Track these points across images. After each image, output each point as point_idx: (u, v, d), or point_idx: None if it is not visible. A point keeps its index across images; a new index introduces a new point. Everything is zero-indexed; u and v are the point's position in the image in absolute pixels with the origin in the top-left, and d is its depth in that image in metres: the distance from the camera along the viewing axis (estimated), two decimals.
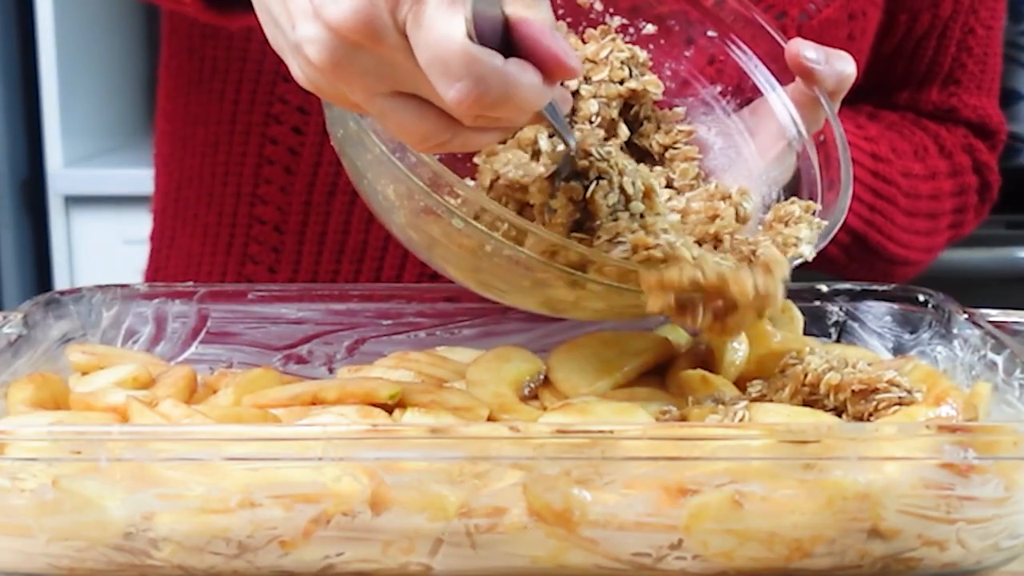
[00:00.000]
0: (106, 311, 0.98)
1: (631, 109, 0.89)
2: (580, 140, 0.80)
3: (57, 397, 0.85)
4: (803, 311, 0.96)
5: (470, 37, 0.63)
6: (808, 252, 0.81)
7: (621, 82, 0.88)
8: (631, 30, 0.91)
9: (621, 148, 0.87)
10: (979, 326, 0.89)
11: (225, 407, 0.84)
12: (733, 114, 0.91)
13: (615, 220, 0.79)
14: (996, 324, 0.89)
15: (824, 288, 0.99)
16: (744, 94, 0.90)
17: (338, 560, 0.73)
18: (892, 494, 0.71)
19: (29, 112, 2.42)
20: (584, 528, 0.71)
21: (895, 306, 0.97)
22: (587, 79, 0.87)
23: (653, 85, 0.89)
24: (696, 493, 0.71)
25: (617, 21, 0.91)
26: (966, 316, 0.91)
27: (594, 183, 0.79)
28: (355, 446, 0.71)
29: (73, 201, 2.32)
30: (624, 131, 0.88)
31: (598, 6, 0.91)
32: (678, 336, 0.96)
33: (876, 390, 0.80)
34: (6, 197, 2.42)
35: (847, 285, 0.99)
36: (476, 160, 0.82)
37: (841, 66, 0.87)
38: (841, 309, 0.98)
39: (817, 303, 0.98)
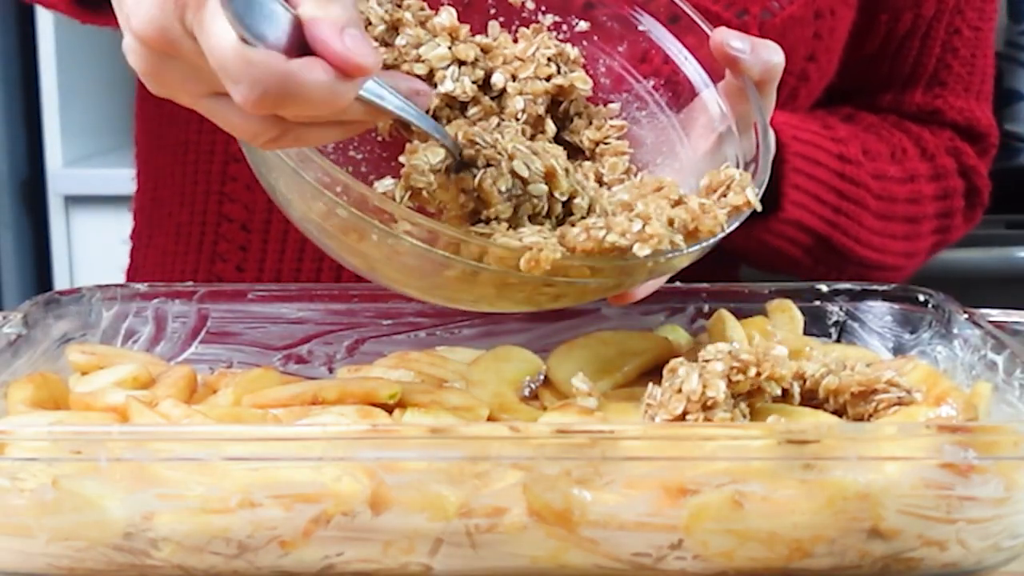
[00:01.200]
0: (106, 311, 0.98)
1: (560, 106, 0.89)
2: (467, 131, 0.80)
3: (57, 397, 0.85)
4: (803, 311, 0.96)
5: (244, 40, 0.63)
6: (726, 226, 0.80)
7: (548, 79, 0.87)
8: (564, 27, 0.91)
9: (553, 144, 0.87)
10: (979, 326, 0.89)
11: (225, 407, 0.84)
12: (667, 108, 0.91)
13: (511, 203, 0.79)
14: (996, 324, 0.89)
15: (824, 288, 0.99)
16: (678, 88, 0.90)
17: (338, 560, 0.73)
18: (892, 494, 0.71)
19: (29, 112, 2.42)
20: (584, 528, 0.71)
21: (895, 306, 0.98)
22: (514, 77, 0.86)
23: (581, 81, 0.88)
24: (696, 493, 0.71)
25: (550, 19, 0.91)
26: (966, 316, 0.91)
27: (482, 171, 0.79)
28: (355, 446, 0.71)
29: (73, 201, 2.32)
30: (551, 127, 0.88)
31: (530, 4, 0.90)
32: (678, 336, 0.96)
33: (875, 391, 0.80)
34: (6, 197, 2.42)
35: (847, 285, 0.99)
36: (401, 159, 0.82)
37: (767, 55, 0.86)
38: (841, 309, 0.98)
39: (817, 303, 0.98)
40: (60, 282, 2.34)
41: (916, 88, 1.16)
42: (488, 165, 0.79)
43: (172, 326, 0.98)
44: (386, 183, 0.83)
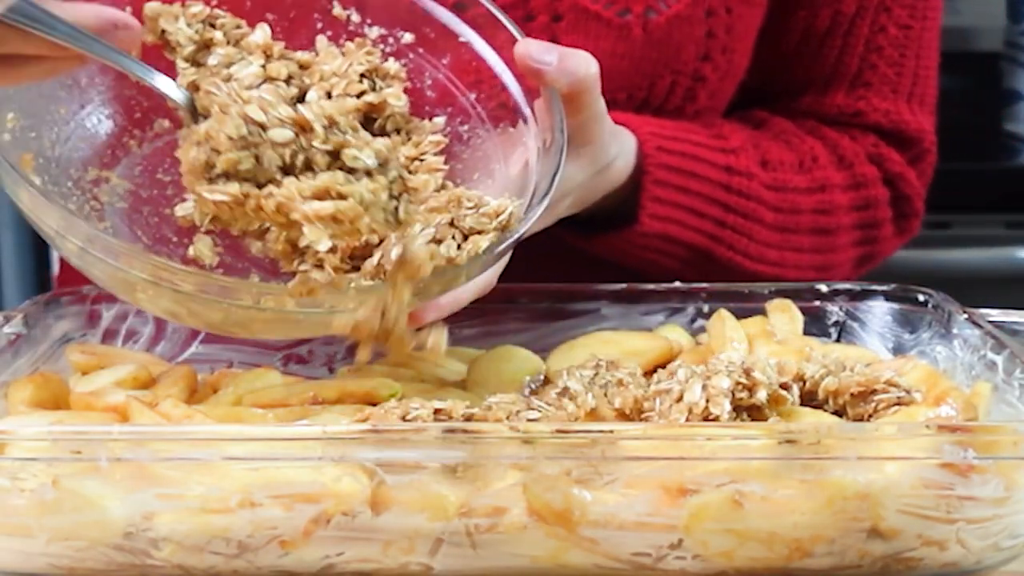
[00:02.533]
0: (106, 311, 0.98)
1: (375, 122, 0.87)
2: (200, 80, 0.79)
3: (57, 397, 0.85)
4: (803, 311, 0.96)
5: None
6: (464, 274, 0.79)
7: (360, 95, 0.85)
8: (391, 40, 0.90)
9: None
10: (979, 326, 0.89)
11: (225, 407, 0.84)
12: (488, 122, 0.89)
13: (249, 152, 0.75)
14: (996, 324, 0.89)
15: (824, 288, 0.99)
16: (501, 101, 0.88)
17: (338, 560, 0.73)
18: (892, 494, 0.71)
19: None
20: (584, 528, 0.71)
21: (895, 306, 0.98)
22: (329, 94, 0.84)
23: (394, 97, 0.86)
24: (696, 493, 0.71)
25: (376, 32, 0.90)
26: (966, 316, 0.91)
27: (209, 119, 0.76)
28: (355, 446, 0.71)
29: None
30: None
31: (355, 17, 0.90)
32: (678, 336, 0.96)
33: (874, 391, 0.80)
34: (6, 197, 2.41)
35: (847, 285, 0.99)
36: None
37: (575, 66, 0.83)
38: (841, 309, 0.99)
39: (817, 303, 0.98)
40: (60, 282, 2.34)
41: (838, 89, 1.11)
42: (222, 113, 0.76)
43: (172, 326, 0.98)
44: (187, 206, 0.84)
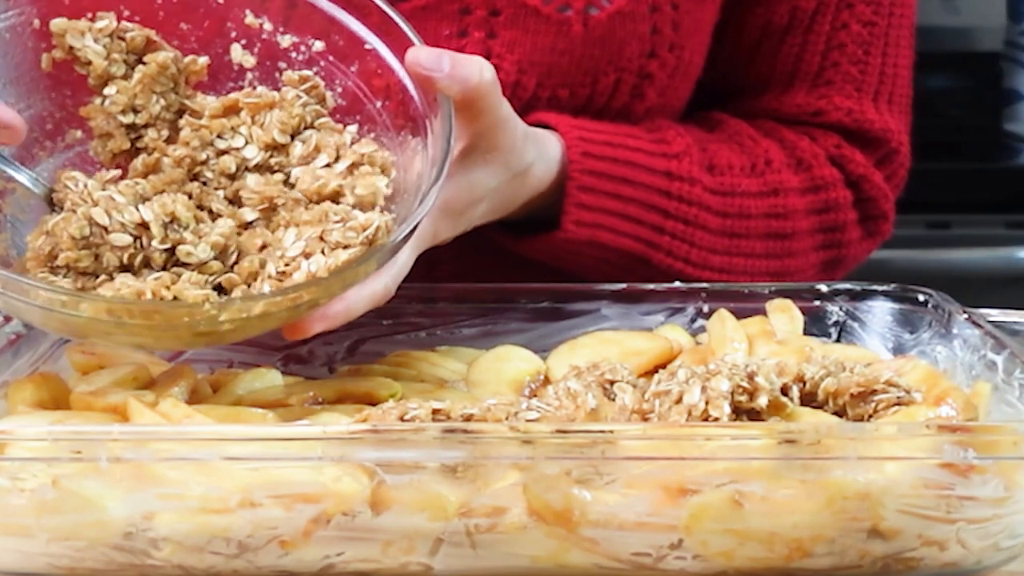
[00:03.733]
0: None
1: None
2: (64, 174, 0.83)
3: (57, 397, 0.85)
4: (803, 311, 0.96)
5: None
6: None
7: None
8: (302, 48, 0.90)
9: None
10: (979, 326, 0.89)
11: (225, 407, 0.84)
12: (392, 129, 0.89)
13: (89, 251, 0.80)
14: (996, 324, 0.89)
15: (824, 288, 0.99)
16: (406, 108, 0.87)
17: (338, 560, 0.73)
18: (892, 494, 0.71)
19: None
20: (584, 528, 0.71)
21: (895, 306, 0.98)
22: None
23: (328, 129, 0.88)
24: (696, 493, 0.71)
25: (288, 40, 0.90)
26: (966, 316, 0.91)
27: (58, 216, 0.81)
28: (355, 446, 0.71)
29: None
30: (296, 151, 0.87)
31: (268, 26, 0.90)
32: (678, 336, 0.96)
33: (874, 391, 0.80)
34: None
35: (847, 285, 0.99)
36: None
37: (466, 73, 0.82)
38: (841, 309, 0.99)
39: (817, 303, 0.98)
40: None
41: (799, 88, 1.09)
42: (72, 210, 0.81)
43: None
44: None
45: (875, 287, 0.99)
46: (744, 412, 0.76)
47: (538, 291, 0.99)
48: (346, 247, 0.80)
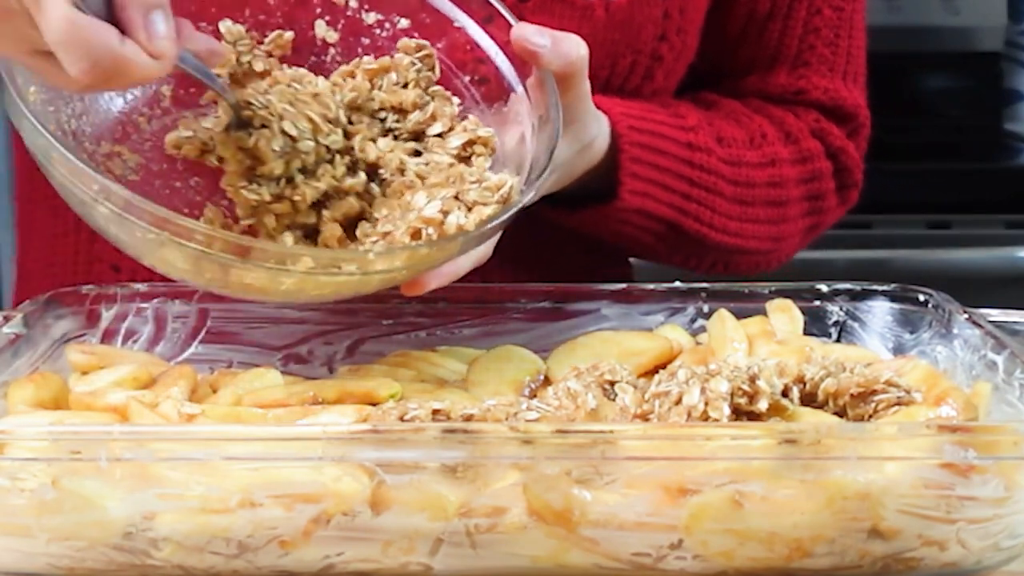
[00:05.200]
0: (106, 311, 0.98)
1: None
2: (241, 93, 0.88)
3: (57, 397, 0.85)
4: (803, 311, 0.96)
5: (77, 7, 0.73)
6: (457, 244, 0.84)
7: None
8: (387, 25, 0.94)
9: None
10: (979, 326, 0.89)
11: (225, 407, 0.84)
12: (482, 103, 0.94)
13: (283, 159, 0.87)
14: (996, 324, 0.89)
15: (824, 288, 0.99)
16: (492, 83, 0.93)
17: (338, 560, 0.73)
18: (892, 494, 0.71)
19: None
20: (584, 528, 0.71)
21: (895, 306, 0.98)
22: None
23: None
24: (696, 493, 0.71)
25: (373, 17, 0.94)
26: (966, 316, 0.91)
27: (257, 132, 0.87)
28: (355, 446, 0.71)
29: None
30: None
31: (353, 3, 0.94)
32: (678, 336, 0.96)
33: (874, 391, 0.80)
34: (6, 197, 2.42)
35: (847, 285, 0.99)
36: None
37: (567, 49, 0.88)
38: (841, 309, 0.99)
39: (817, 303, 0.98)
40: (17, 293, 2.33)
41: (780, 69, 1.16)
42: (263, 126, 0.87)
43: (172, 326, 0.98)
44: (178, 134, 0.92)
45: (875, 287, 0.99)
46: (744, 413, 0.76)
47: (538, 291, 0.99)
48: (484, 204, 0.86)
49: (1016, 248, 2.20)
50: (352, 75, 0.93)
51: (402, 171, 0.90)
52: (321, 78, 0.93)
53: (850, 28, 1.17)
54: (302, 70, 0.93)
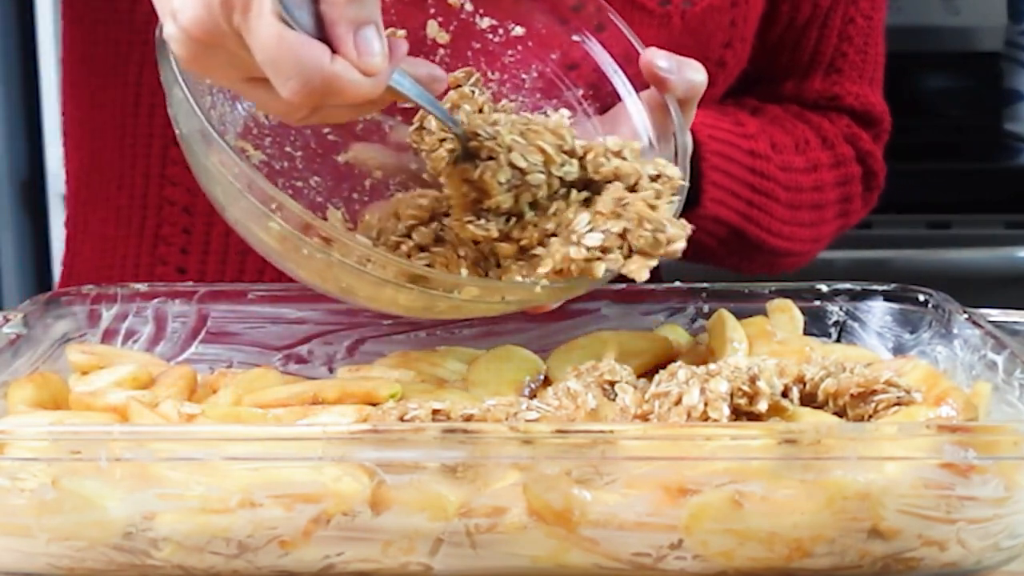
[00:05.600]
0: (106, 311, 0.98)
1: None
2: (470, 123, 0.85)
3: (57, 397, 0.85)
4: (803, 311, 0.96)
5: (282, 19, 0.71)
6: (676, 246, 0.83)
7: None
8: (500, 31, 0.94)
9: None
10: (979, 326, 0.89)
11: (225, 407, 0.84)
12: (593, 117, 0.94)
13: (511, 193, 0.84)
14: (996, 324, 0.89)
15: (824, 288, 0.99)
16: (603, 98, 0.93)
17: (338, 560, 0.73)
18: (892, 494, 0.71)
19: (29, 112, 2.41)
20: (584, 528, 0.71)
21: (895, 306, 0.98)
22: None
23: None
24: (696, 493, 0.71)
25: (487, 22, 0.94)
26: (966, 316, 0.91)
27: (483, 164, 0.84)
28: (355, 446, 0.71)
29: None
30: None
31: (468, 7, 0.94)
32: (678, 336, 0.96)
33: (874, 391, 0.80)
34: (6, 197, 2.42)
35: (847, 285, 0.99)
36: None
37: (691, 75, 0.90)
38: (841, 309, 0.98)
39: (817, 303, 0.98)
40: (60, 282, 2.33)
41: (815, 75, 1.20)
42: (489, 158, 0.84)
43: (172, 326, 0.98)
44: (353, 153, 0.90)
45: (875, 287, 0.99)
46: (744, 414, 0.76)
47: None
48: (646, 256, 0.83)
49: (1016, 248, 2.20)
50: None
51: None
52: (553, 111, 0.92)
53: (876, 36, 1.21)
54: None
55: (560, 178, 0.86)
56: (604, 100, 0.93)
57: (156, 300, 0.98)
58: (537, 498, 0.71)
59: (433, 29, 0.94)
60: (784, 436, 0.71)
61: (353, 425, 0.77)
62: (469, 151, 0.85)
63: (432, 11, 0.94)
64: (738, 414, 0.75)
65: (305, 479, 0.71)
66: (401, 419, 0.75)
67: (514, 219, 0.85)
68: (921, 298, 0.96)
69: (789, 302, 0.96)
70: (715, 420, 0.74)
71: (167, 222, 1.11)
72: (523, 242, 0.85)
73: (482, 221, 0.85)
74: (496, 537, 0.72)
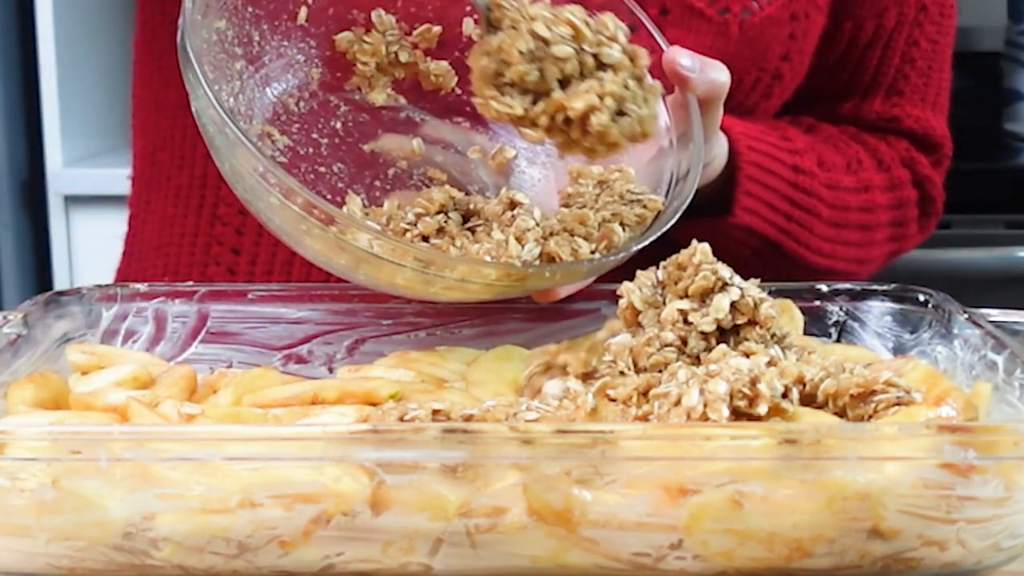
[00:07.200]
0: (106, 311, 0.98)
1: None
2: None
3: (57, 397, 0.85)
4: (803, 311, 0.96)
5: None
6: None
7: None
8: None
9: None
10: (979, 326, 0.89)
11: (225, 407, 0.84)
12: None
13: (534, 65, 0.82)
14: (996, 324, 0.89)
15: (824, 288, 0.99)
16: None
17: (338, 560, 0.73)
18: (892, 494, 0.71)
19: (29, 112, 2.41)
20: (584, 528, 0.71)
21: (895, 306, 0.98)
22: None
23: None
24: (696, 493, 0.71)
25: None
26: (966, 316, 0.91)
27: (503, 32, 0.83)
28: (355, 446, 0.71)
29: (73, 201, 2.32)
30: None
31: None
32: None
33: (874, 392, 0.80)
34: (6, 197, 2.42)
35: (847, 285, 0.99)
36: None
37: (714, 75, 0.92)
38: (841, 309, 0.98)
39: (817, 303, 0.98)
40: (60, 282, 2.34)
41: (876, 96, 1.20)
42: (513, 28, 0.84)
43: (172, 326, 0.98)
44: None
45: (875, 287, 0.99)
46: (744, 415, 0.76)
47: None
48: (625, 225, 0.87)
49: (1016, 248, 2.20)
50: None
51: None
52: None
53: (942, 61, 1.21)
54: None
55: (595, 55, 0.83)
56: None
57: (156, 300, 0.98)
58: (537, 498, 0.71)
59: (469, 26, 0.95)
60: (784, 436, 0.71)
61: (353, 425, 0.77)
62: (492, 23, 0.84)
63: (468, 8, 0.95)
64: (738, 415, 0.75)
65: (305, 479, 0.71)
66: (401, 419, 0.75)
67: (545, 97, 0.83)
68: (921, 298, 0.96)
69: (789, 302, 0.96)
70: (715, 421, 0.74)
71: (224, 202, 1.13)
72: (558, 114, 0.82)
73: (506, 97, 0.83)
74: (496, 537, 0.72)
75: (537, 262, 0.86)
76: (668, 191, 0.90)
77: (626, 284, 0.85)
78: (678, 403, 0.75)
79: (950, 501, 0.71)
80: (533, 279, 0.84)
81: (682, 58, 0.91)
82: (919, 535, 0.72)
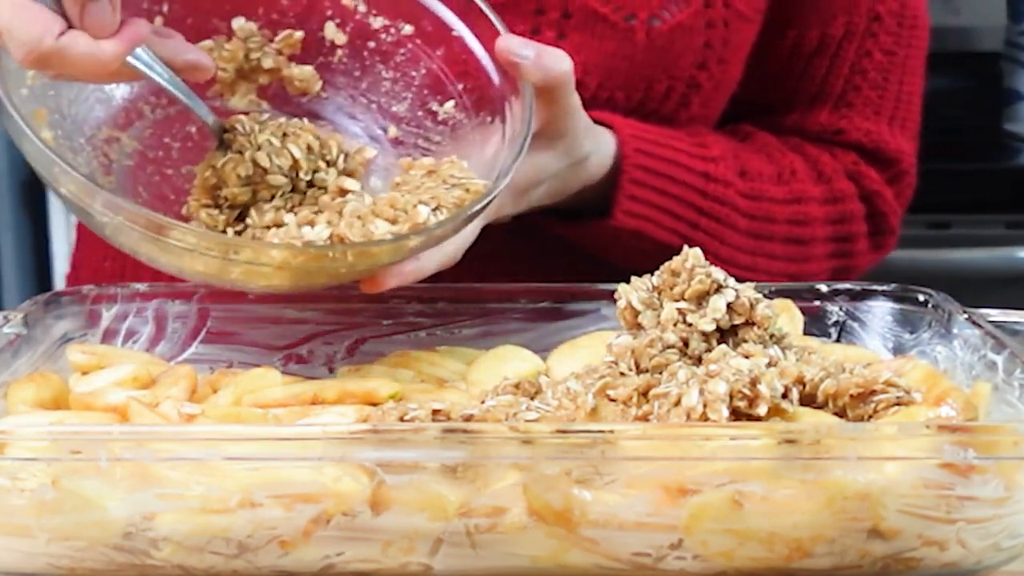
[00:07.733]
0: (106, 311, 0.98)
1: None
2: (232, 118, 0.91)
3: (57, 397, 0.85)
4: (803, 311, 0.96)
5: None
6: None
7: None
8: (392, 30, 0.97)
9: None
10: (979, 326, 0.89)
11: (225, 407, 0.84)
12: (471, 111, 0.96)
13: (248, 188, 0.90)
14: (996, 324, 0.89)
15: (824, 288, 0.99)
16: (485, 92, 0.95)
17: (338, 560, 0.73)
18: (892, 494, 0.71)
19: None
20: (584, 528, 0.71)
21: (895, 306, 0.98)
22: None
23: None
24: (696, 493, 0.71)
25: (380, 22, 0.97)
26: (966, 316, 0.91)
27: (226, 156, 0.90)
28: (355, 446, 0.71)
29: None
30: None
31: (362, 8, 0.97)
32: None
33: (874, 392, 0.80)
34: (6, 197, 2.42)
35: (847, 285, 0.99)
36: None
37: (550, 63, 0.90)
38: (841, 309, 0.99)
39: (817, 303, 0.98)
40: (60, 282, 2.34)
41: (822, 108, 1.16)
42: (240, 152, 0.90)
43: (172, 326, 0.98)
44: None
45: (875, 287, 0.99)
46: (743, 416, 0.76)
47: (538, 291, 0.99)
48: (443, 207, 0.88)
49: (1016, 248, 2.20)
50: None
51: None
52: (439, 106, 0.96)
53: (902, 73, 1.16)
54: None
55: (309, 181, 0.91)
56: (485, 96, 0.95)
57: (156, 300, 0.98)
58: (537, 498, 0.71)
59: (331, 30, 0.97)
60: (784, 436, 0.71)
61: (353, 425, 0.77)
62: (223, 142, 0.90)
63: (329, 12, 0.97)
64: (738, 415, 0.75)
65: (305, 479, 0.71)
66: (401, 419, 0.75)
67: (250, 211, 0.90)
68: (921, 298, 0.96)
69: (789, 302, 0.96)
70: (714, 421, 0.74)
71: None
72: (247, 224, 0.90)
73: (215, 211, 0.90)
74: (496, 537, 0.72)
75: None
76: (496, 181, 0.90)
77: (623, 286, 0.85)
78: (678, 403, 0.75)
79: (950, 501, 0.71)
80: (329, 261, 0.85)
81: (515, 45, 0.90)
82: (919, 535, 0.72)
